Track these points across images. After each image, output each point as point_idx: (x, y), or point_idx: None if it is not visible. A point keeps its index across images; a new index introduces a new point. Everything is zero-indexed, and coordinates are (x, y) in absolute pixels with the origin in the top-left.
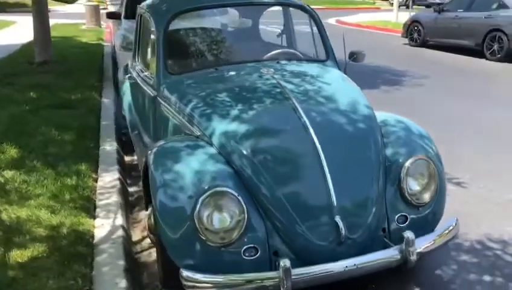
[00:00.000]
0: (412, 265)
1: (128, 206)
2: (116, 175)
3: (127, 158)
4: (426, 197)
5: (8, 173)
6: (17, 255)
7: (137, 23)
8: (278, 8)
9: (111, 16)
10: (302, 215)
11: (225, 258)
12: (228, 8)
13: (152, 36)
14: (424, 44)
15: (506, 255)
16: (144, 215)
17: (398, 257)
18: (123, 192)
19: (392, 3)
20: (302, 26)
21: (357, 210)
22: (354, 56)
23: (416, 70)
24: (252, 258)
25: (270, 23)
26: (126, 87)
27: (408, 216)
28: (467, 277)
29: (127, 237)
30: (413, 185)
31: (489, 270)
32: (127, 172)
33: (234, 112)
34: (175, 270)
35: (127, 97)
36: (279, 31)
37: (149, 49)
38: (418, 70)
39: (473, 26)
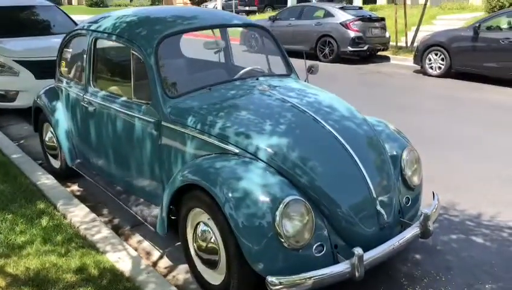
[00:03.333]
0: (431, 235)
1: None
2: (85, 209)
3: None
4: (416, 179)
5: None
6: None
7: (90, 47)
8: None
9: None
10: (352, 210)
11: (302, 259)
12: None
13: (133, 61)
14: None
15: None
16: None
17: (419, 231)
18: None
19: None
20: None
21: (388, 198)
22: (311, 69)
23: None
24: (320, 254)
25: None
26: (65, 117)
27: (409, 197)
28: None
29: (152, 263)
30: (408, 171)
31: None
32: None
33: (268, 127)
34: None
35: (72, 128)
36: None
37: (117, 74)
38: None
39: (306, 33)
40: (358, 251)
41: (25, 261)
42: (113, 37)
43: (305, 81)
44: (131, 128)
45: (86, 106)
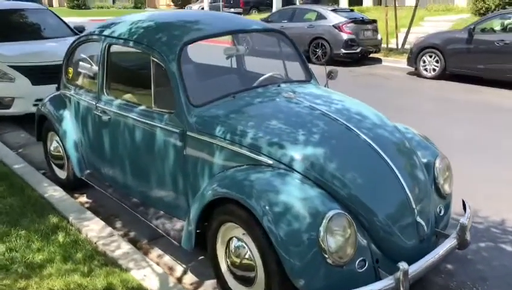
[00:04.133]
0: (468, 245)
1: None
2: (100, 223)
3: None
4: (447, 188)
5: None
6: None
7: (104, 53)
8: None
9: None
10: (393, 222)
11: (345, 276)
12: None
13: (153, 69)
14: None
15: None
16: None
17: (457, 242)
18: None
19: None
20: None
21: (426, 209)
22: (331, 74)
23: None
24: (362, 270)
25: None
26: (73, 126)
27: (442, 206)
28: None
29: (176, 279)
30: (441, 180)
31: None
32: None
33: (301, 137)
34: None
35: (82, 137)
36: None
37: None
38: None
39: (299, 35)
40: (403, 265)
41: (47, 282)
42: (130, 43)
43: (324, 86)
44: (151, 139)
45: (100, 114)
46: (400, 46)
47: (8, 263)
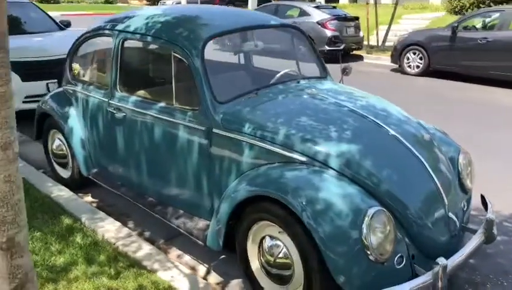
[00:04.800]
0: (494, 240)
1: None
2: (116, 224)
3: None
4: (469, 183)
5: None
6: None
7: (117, 49)
8: None
9: None
10: (428, 217)
11: (385, 272)
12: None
13: (174, 64)
14: None
15: None
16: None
17: (484, 237)
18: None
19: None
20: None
21: (455, 204)
22: (345, 70)
23: None
24: (400, 266)
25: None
26: (79, 123)
27: (465, 202)
28: None
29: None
30: (465, 175)
31: None
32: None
33: (334, 134)
34: None
35: (90, 135)
36: None
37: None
38: None
39: None
40: (442, 260)
41: (76, 286)
42: (148, 38)
43: (339, 82)
44: (172, 136)
45: (113, 112)
46: (380, 44)
47: None
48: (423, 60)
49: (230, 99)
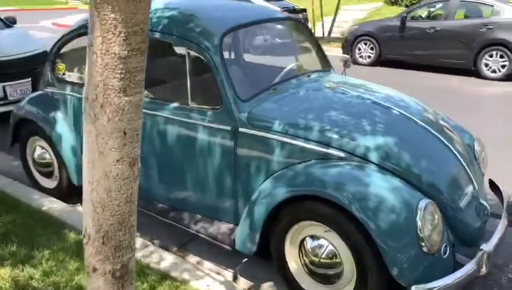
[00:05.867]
0: None
1: None
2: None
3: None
4: (483, 169)
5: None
6: None
7: None
8: None
9: None
10: (465, 205)
11: (435, 263)
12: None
13: (189, 62)
14: None
15: None
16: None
17: (507, 221)
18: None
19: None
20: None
21: (482, 191)
22: (346, 63)
23: None
24: (446, 256)
25: None
26: (70, 129)
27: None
28: None
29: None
30: (480, 160)
31: None
32: None
33: (367, 127)
34: None
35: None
36: None
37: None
38: None
39: None
40: (486, 246)
41: None
42: (157, 35)
43: (342, 74)
44: (189, 138)
45: None
46: (326, 35)
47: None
48: (374, 50)
49: (252, 97)
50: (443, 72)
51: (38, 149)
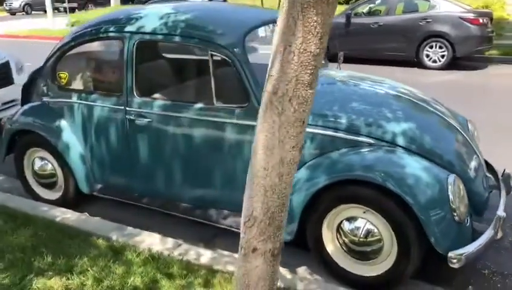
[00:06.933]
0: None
1: None
2: (153, 236)
3: None
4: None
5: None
6: None
7: (132, 52)
8: None
9: None
10: (477, 178)
11: (463, 231)
12: None
13: (212, 63)
14: None
15: None
16: None
17: (505, 190)
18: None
19: (8, 10)
20: None
21: (483, 165)
22: (340, 58)
23: None
24: (468, 224)
25: None
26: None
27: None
28: None
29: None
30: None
31: None
32: None
33: (390, 115)
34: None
35: (93, 149)
36: None
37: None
38: None
39: None
40: (500, 213)
41: None
42: (176, 38)
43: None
44: (217, 136)
45: (132, 118)
46: None
47: None
48: None
49: None
50: (388, 64)
51: (38, 161)
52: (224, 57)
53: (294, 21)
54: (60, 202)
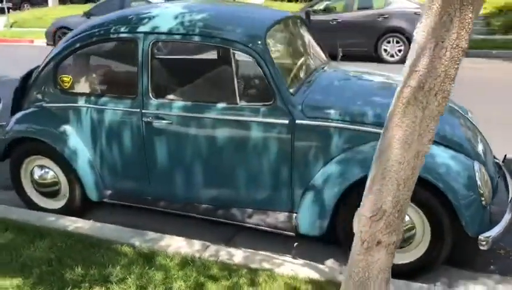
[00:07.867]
0: None
1: None
2: (176, 239)
3: None
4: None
5: None
6: None
7: (147, 53)
8: None
9: None
10: (490, 164)
11: (486, 213)
12: None
13: (234, 62)
14: None
15: None
16: None
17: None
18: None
19: None
20: None
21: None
22: (338, 55)
23: None
24: (488, 207)
25: None
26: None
27: None
28: None
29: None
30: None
31: None
32: None
33: None
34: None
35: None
36: None
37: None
38: None
39: None
40: None
41: None
42: (195, 38)
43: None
44: (242, 135)
45: (149, 121)
46: None
47: None
48: None
49: (297, 89)
50: (348, 60)
51: (37, 169)
52: (245, 55)
53: (450, 18)
54: (64, 211)
